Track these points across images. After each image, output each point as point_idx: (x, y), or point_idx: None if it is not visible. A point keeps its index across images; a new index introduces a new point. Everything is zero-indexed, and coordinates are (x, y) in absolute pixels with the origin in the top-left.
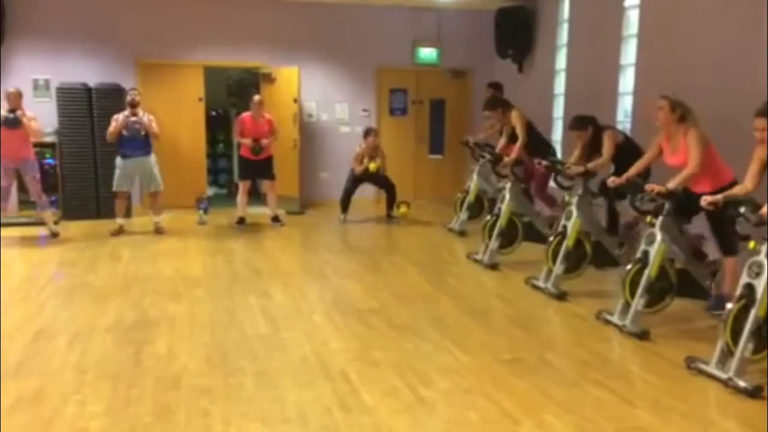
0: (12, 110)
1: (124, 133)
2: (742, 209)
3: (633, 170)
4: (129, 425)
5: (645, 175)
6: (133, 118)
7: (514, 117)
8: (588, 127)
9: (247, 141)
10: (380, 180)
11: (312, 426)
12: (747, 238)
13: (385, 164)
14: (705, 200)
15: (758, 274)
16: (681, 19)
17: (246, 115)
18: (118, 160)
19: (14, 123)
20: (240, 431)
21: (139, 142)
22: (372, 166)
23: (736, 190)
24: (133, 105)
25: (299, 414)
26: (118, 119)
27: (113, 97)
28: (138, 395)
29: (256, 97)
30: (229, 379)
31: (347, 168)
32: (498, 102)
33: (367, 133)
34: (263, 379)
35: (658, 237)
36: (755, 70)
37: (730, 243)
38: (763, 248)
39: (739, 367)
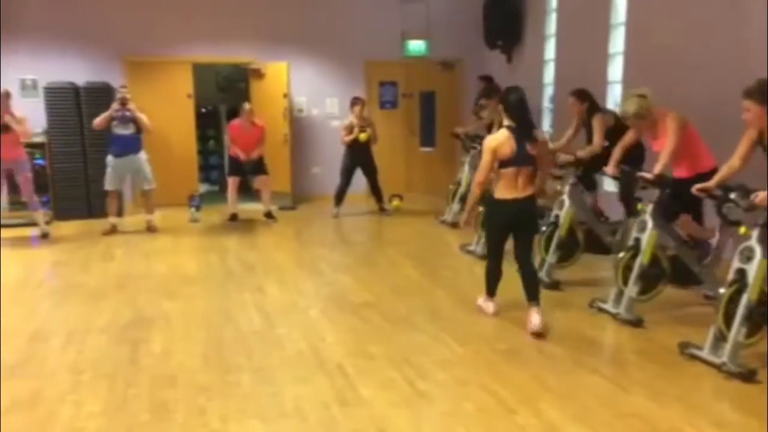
0: None
1: (115, 130)
2: (733, 195)
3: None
4: (126, 424)
5: (639, 160)
6: (125, 112)
7: None
8: (585, 101)
9: (240, 154)
10: (366, 163)
11: (310, 420)
12: (738, 224)
13: (376, 134)
14: (696, 188)
15: (749, 259)
16: (667, 6)
17: (236, 122)
18: (109, 159)
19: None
20: (238, 427)
21: (129, 138)
22: (362, 136)
23: (724, 170)
24: (124, 103)
25: (297, 409)
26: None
27: (102, 96)
28: (135, 394)
29: (246, 105)
30: (226, 375)
31: (339, 162)
32: (496, 92)
33: (354, 102)
34: (260, 375)
35: (650, 224)
36: (740, 58)
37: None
38: (755, 233)
39: (733, 351)
